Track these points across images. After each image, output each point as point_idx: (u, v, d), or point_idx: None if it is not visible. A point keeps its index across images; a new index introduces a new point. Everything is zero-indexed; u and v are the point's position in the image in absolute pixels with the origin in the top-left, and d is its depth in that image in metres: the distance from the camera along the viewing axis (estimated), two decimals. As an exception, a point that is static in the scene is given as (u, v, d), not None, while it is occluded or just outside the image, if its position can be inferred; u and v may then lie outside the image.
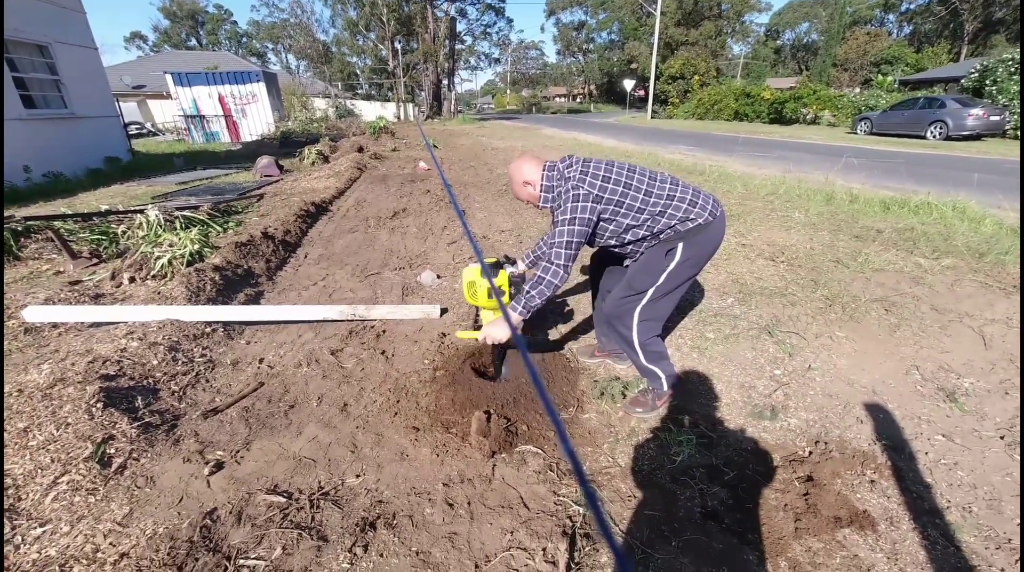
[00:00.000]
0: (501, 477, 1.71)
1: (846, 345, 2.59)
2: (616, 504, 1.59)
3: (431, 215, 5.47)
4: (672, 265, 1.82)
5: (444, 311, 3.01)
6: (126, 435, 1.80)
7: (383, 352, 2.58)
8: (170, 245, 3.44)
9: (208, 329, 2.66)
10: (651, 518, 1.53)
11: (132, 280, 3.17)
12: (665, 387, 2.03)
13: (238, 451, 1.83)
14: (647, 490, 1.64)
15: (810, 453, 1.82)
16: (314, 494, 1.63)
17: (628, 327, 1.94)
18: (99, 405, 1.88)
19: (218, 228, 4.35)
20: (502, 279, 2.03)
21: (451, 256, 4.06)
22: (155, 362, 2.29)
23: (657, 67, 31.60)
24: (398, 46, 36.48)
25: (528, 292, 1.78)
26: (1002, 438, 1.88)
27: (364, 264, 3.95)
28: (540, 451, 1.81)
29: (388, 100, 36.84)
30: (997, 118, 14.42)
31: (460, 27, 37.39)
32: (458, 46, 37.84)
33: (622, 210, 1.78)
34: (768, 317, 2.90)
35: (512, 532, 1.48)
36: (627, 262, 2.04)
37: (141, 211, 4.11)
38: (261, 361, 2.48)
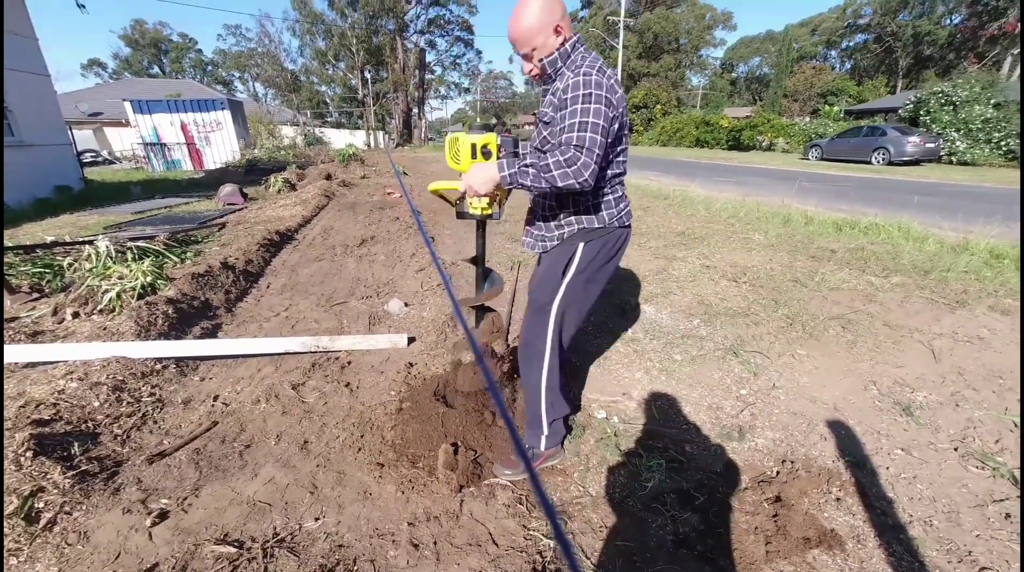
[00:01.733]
0: (469, 513, 1.64)
1: (807, 363, 2.66)
2: (587, 536, 1.55)
3: (400, 242, 5.42)
4: (571, 273, 1.63)
5: (412, 340, 2.95)
6: (58, 486, 1.65)
7: (347, 384, 2.49)
8: (120, 277, 3.27)
9: (158, 366, 2.51)
10: (623, 549, 1.49)
11: (76, 315, 2.98)
12: (543, 448, 1.83)
13: (185, 498, 1.70)
14: (618, 520, 1.61)
15: (777, 473, 1.83)
16: (268, 542, 1.53)
17: (534, 362, 1.72)
18: (29, 454, 1.73)
19: (175, 259, 4.17)
20: (488, 139, 1.60)
21: (419, 284, 4.01)
22: (96, 404, 2.14)
23: (621, 97, 32.85)
24: (368, 75, 36.88)
25: (527, 163, 1.40)
26: (955, 450, 1.94)
27: (330, 293, 3.85)
28: (509, 483, 1.75)
29: (358, 128, 36.96)
30: (932, 145, 15.59)
31: (430, 58, 38.27)
32: (428, 76, 38.61)
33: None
34: (733, 337, 2.95)
35: (480, 572, 1.41)
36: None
37: (90, 242, 3.91)
38: (216, 398, 2.35)
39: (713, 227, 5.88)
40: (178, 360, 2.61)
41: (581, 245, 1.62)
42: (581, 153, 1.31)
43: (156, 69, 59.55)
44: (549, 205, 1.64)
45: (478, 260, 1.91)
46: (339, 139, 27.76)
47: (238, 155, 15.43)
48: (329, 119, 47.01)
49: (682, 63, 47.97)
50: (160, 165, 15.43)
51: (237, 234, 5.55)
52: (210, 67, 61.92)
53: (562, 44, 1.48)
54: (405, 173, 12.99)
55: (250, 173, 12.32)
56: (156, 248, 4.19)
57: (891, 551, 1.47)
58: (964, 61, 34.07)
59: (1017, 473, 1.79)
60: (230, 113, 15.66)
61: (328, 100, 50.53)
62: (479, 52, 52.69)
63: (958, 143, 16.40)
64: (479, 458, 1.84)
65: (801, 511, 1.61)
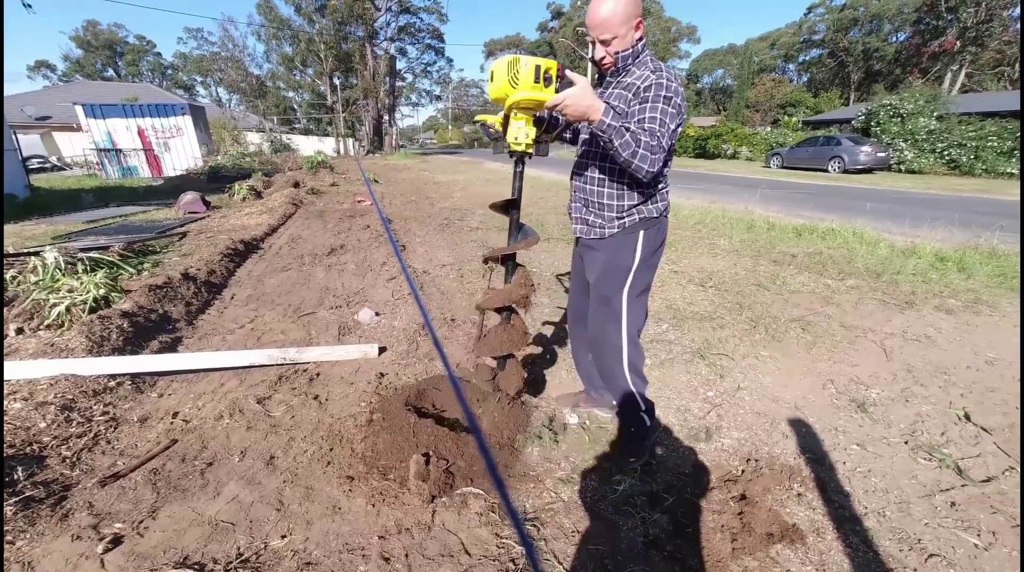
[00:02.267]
0: (441, 523, 1.63)
1: (770, 364, 2.75)
2: (560, 541, 1.56)
3: (370, 251, 5.35)
4: (636, 262, 1.69)
5: (383, 350, 2.90)
6: (-1, 514, 1.55)
7: (316, 397, 2.43)
8: (70, 290, 3.11)
9: (112, 383, 2.39)
10: (595, 552, 1.50)
11: (20, 331, 2.81)
12: (649, 423, 1.91)
13: (142, 521, 1.62)
14: (590, 524, 1.62)
15: (743, 472, 1.88)
16: (231, 563, 1.47)
17: (612, 353, 1.81)
18: (-34, 481, 1.61)
19: (131, 270, 3.99)
20: (552, 64, 1.42)
21: (390, 293, 3.96)
22: (43, 425, 2.02)
23: (590, 106, 33.50)
24: (337, 82, 36.39)
25: (628, 125, 1.38)
26: (906, 443, 2.04)
27: (298, 304, 3.76)
28: (481, 492, 1.74)
29: (327, 135, 36.32)
30: (883, 154, 16.50)
31: (400, 65, 38.11)
32: (399, 83, 38.38)
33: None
34: (700, 341, 3.03)
35: (452, 584, 1.40)
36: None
37: (36, 253, 3.71)
38: (175, 415, 2.25)
39: (680, 233, 6.04)
40: (134, 376, 2.49)
41: (642, 233, 1.68)
42: (658, 148, 1.39)
43: (111, 72, 57.08)
44: (609, 193, 1.66)
45: (513, 205, 1.75)
46: (307, 146, 27.26)
47: (200, 162, 14.90)
48: (297, 126, 46.04)
49: (649, 74, 49.28)
50: (115, 172, 14.76)
51: (199, 244, 5.36)
52: (170, 71, 59.73)
53: (639, 41, 1.53)
54: (376, 180, 12.85)
55: (213, 180, 11.94)
56: (110, 259, 4.00)
57: (848, 542, 1.54)
58: (910, 76, 36.22)
59: (962, 464, 1.90)
60: (191, 118, 15.12)
61: (296, 106, 49.52)
62: (450, 60, 52.79)
63: (906, 152, 17.41)
64: (451, 468, 1.83)
65: (765, 507, 1.66)
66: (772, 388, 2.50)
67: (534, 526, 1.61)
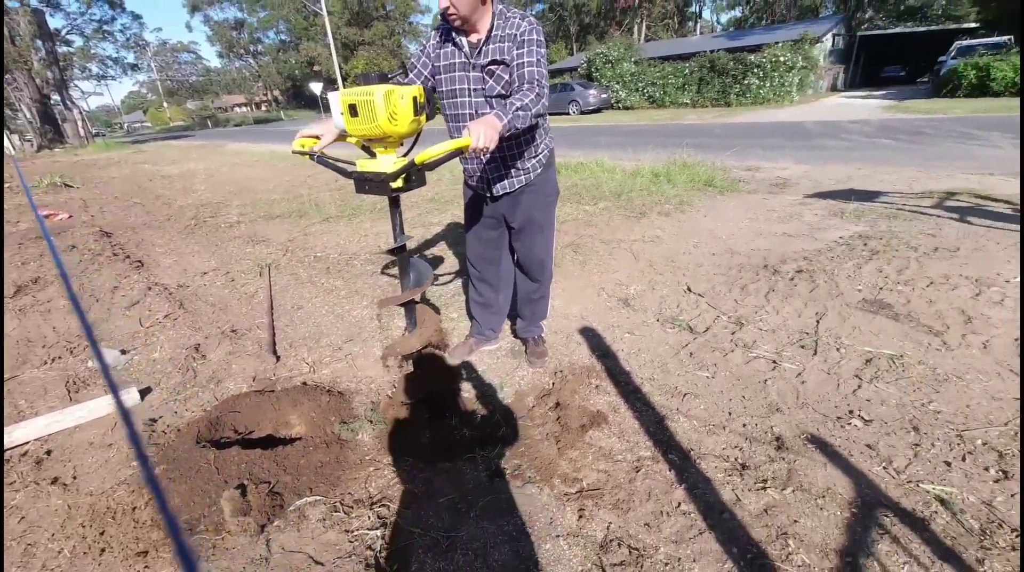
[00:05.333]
0: (280, 547, 1.46)
1: (556, 287, 3.14)
2: (411, 508, 1.56)
3: (89, 277, 4.08)
4: (557, 185, 2.12)
5: (147, 391, 2.33)
6: None
7: (55, 480, 1.83)
8: None
9: None
10: (448, 504, 1.56)
11: None
12: (544, 333, 2.43)
13: None
14: (436, 480, 1.66)
15: (553, 384, 2.16)
16: None
17: (548, 269, 2.21)
18: None
19: None
20: (418, 90, 1.40)
21: (136, 321, 3.14)
22: None
23: (341, 68, 31.16)
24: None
25: (516, 106, 1.49)
26: (657, 320, 2.63)
27: (-16, 370, 2.68)
28: (319, 497, 1.61)
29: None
30: (605, 95, 19.86)
31: (57, 23, 28.17)
32: (63, 49, 28.51)
33: None
34: (498, 282, 3.28)
35: (309, 604, 1.29)
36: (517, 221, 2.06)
37: None
38: None
39: (457, 188, 6.27)
40: None
41: (554, 162, 2.05)
42: (541, 92, 1.60)
43: None
44: (526, 139, 1.89)
45: (401, 250, 1.73)
46: (-69, 148, 18.56)
47: None
48: (-101, 120, 30.60)
49: (395, 31, 47.88)
50: None
51: None
52: None
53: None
54: (67, 185, 9.64)
55: None
56: None
57: (636, 409, 1.94)
58: (610, 28, 43.56)
59: (691, 323, 2.55)
60: None
61: None
62: (138, 17, 40.80)
63: (620, 92, 21.27)
64: (276, 487, 1.63)
65: (575, 406, 1.95)
66: (562, 307, 2.90)
67: (384, 507, 1.57)
